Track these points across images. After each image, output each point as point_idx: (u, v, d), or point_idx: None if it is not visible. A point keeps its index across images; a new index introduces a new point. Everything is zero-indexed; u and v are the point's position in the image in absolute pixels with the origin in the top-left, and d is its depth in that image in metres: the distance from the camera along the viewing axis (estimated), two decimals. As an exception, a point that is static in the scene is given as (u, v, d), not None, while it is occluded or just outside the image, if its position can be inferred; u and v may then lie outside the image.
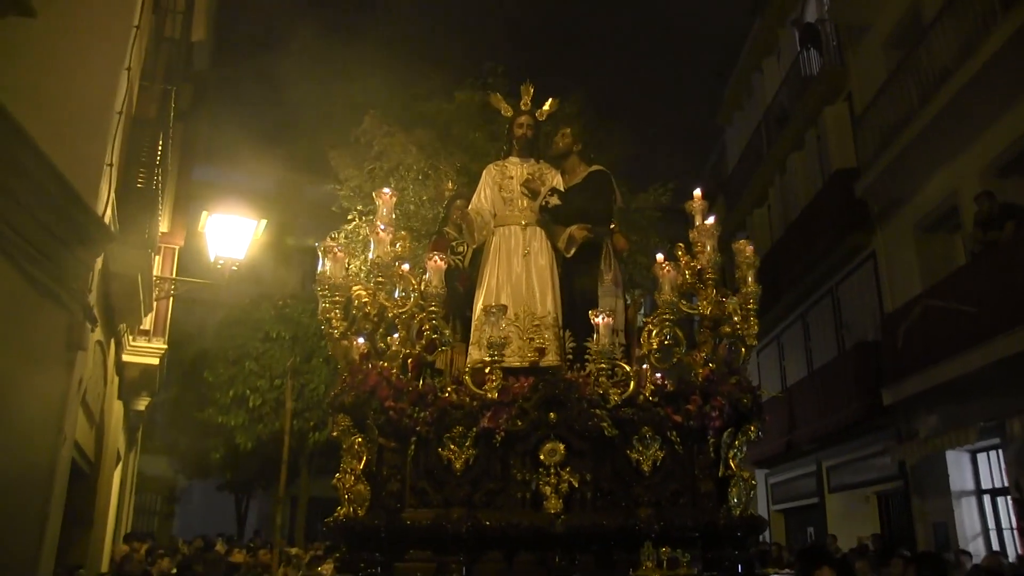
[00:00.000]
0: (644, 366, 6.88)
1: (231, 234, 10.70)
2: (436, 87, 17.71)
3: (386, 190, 7.13)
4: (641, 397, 6.68)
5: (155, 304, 12.17)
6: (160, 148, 9.48)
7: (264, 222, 11.34)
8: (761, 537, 14.68)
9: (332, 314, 6.74)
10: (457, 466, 6.43)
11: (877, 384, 16.63)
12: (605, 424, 6.48)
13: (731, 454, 6.82)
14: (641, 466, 6.56)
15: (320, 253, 6.90)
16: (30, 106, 5.63)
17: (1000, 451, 14.75)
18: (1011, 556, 13.95)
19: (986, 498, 15.70)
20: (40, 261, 6.71)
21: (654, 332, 6.88)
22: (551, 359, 7.33)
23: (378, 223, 6.82)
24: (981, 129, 14.27)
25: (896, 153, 16.38)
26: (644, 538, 6.19)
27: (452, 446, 6.47)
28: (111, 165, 7.97)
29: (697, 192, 7.37)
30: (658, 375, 6.96)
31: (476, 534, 6.19)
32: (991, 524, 15.46)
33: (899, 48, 17.87)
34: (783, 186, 24.85)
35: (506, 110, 8.51)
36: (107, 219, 7.90)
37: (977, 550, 14.68)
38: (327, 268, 6.77)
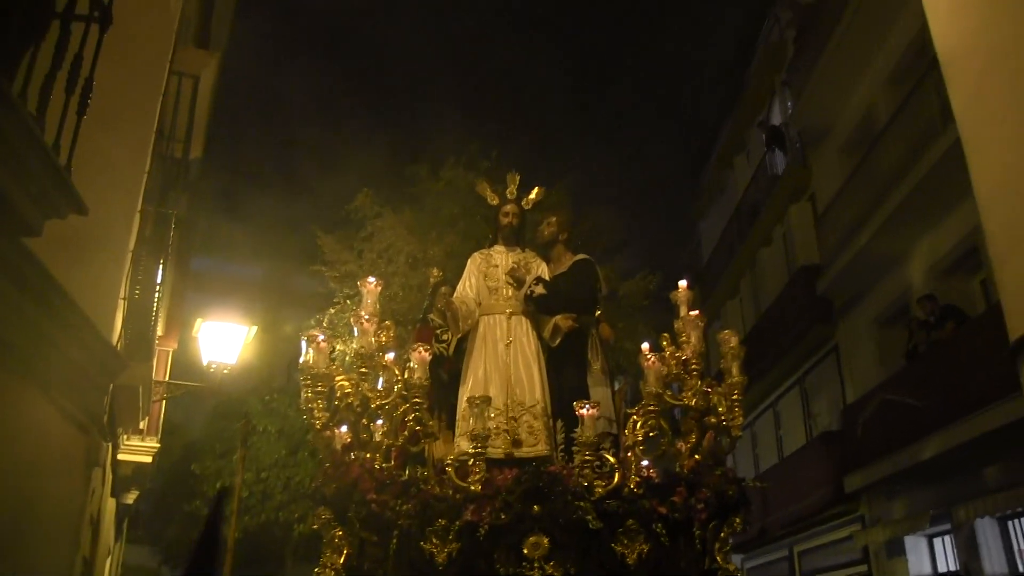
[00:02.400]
0: (629, 456, 6.62)
1: (223, 340, 11.05)
2: (423, 169, 17.81)
3: (371, 279, 7.01)
4: (626, 489, 6.52)
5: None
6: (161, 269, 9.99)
7: (255, 328, 11.65)
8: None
9: (314, 404, 6.51)
10: (440, 560, 6.24)
11: (842, 471, 17.34)
12: (590, 517, 6.31)
13: (716, 546, 6.58)
14: (626, 559, 6.38)
15: (303, 342, 6.66)
16: (55, 245, 5.78)
17: (951, 536, 15.46)
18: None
19: None
20: (68, 392, 7.09)
21: (639, 423, 6.67)
22: (541, 449, 7.22)
23: (362, 313, 6.65)
24: (928, 231, 15.26)
25: (853, 253, 17.47)
26: None
27: (435, 539, 6.28)
28: (124, 299, 8.75)
29: (682, 283, 7.26)
30: (644, 464, 6.71)
31: None
32: None
33: (857, 151, 18.92)
34: (754, 279, 26.07)
35: (492, 198, 8.44)
36: (120, 347, 8.62)
37: None
38: (310, 357, 6.55)
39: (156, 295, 9.59)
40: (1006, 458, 11.58)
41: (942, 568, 16.38)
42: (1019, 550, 13.80)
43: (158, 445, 13.29)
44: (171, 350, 14.36)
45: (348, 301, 16.16)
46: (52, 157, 4.74)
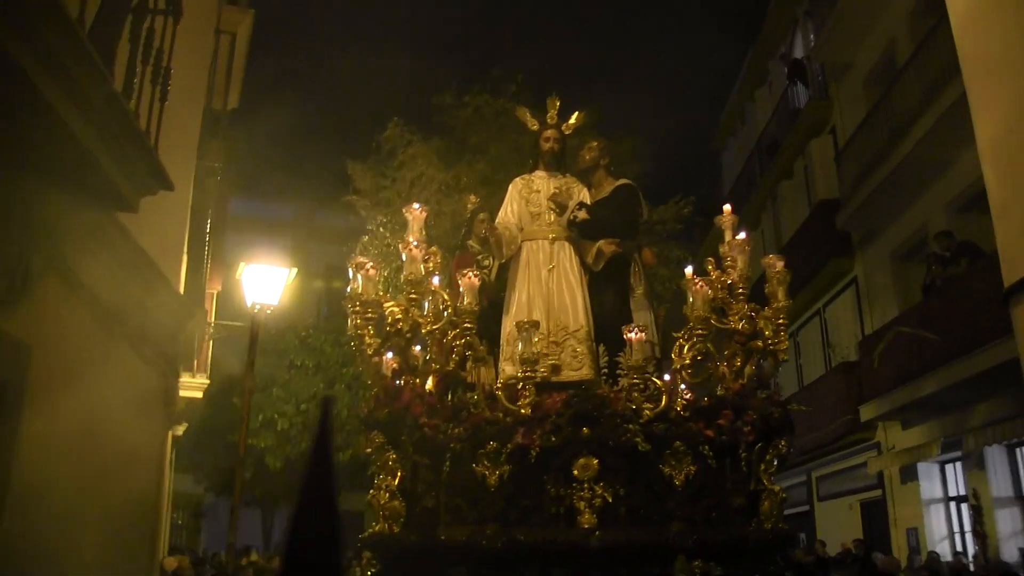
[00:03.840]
0: (676, 380, 6.57)
1: (265, 281, 11.17)
2: (449, 96, 17.59)
3: (416, 205, 6.95)
4: (673, 412, 6.56)
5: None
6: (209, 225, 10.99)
7: (295, 270, 11.79)
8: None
9: (364, 330, 6.45)
10: (491, 482, 6.27)
11: (859, 401, 17.64)
12: (638, 439, 6.37)
13: (762, 468, 6.60)
14: (674, 481, 6.44)
15: (351, 269, 6.61)
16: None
17: (960, 463, 16.09)
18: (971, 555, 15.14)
19: (952, 505, 17.00)
20: (148, 342, 7.92)
21: (686, 347, 6.61)
22: (585, 372, 7.26)
23: (410, 239, 6.57)
24: (945, 169, 15.06)
25: (872, 188, 17.35)
26: (677, 552, 6.04)
27: (486, 462, 6.32)
28: (186, 254, 9.59)
29: (727, 207, 7.23)
30: (683, 388, 6.69)
31: (511, 550, 6.01)
32: (956, 528, 16.79)
33: (878, 86, 18.71)
34: (775, 211, 25.74)
35: (532, 123, 8.31)
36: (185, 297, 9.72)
37: (944, 552, 16.02)
38: (358, 284, 6.48)
39: (207, 247, 10.20)
40: (1014, 389, 11.63)
41: (952, 492, 16.86)
42: (1026, 475, 14.15)
43: (208, 381, 13.38)
44: (216, 292, 14.62)
45: (382, 228, 16.06)
46: (147, 143, 5.35)
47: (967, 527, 15.85)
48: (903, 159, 15.86)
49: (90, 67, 4.40)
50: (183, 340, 10.17)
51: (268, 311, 11.40)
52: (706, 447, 6.47)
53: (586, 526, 6.12)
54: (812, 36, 22.67)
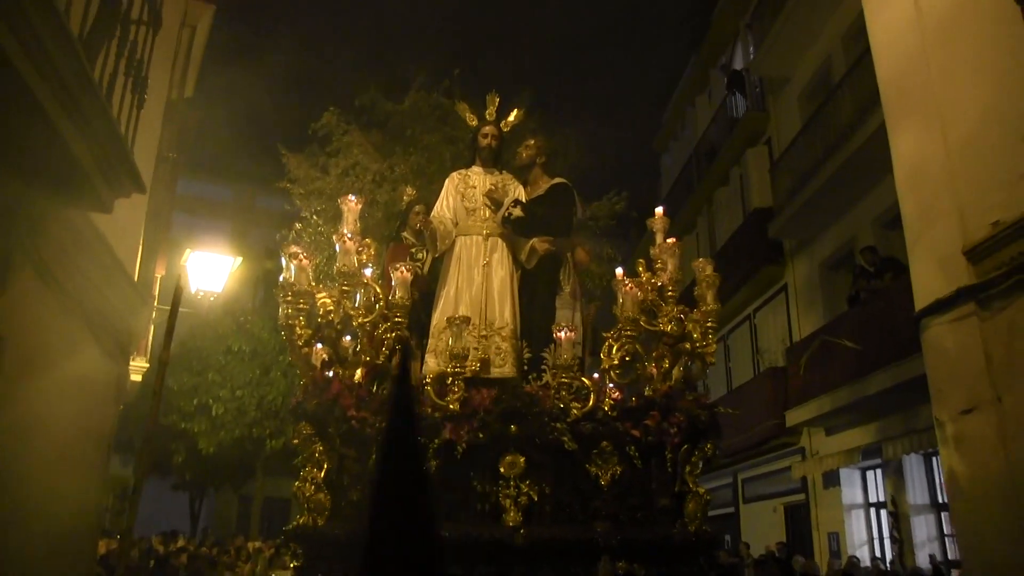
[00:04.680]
0: (605, 380, 6.56)
1: (209, 269, 11.07)
2: (376, 94, 17.45)
3: (351, 197, 6.85)
4: (601, 412, 6.54)
5: (143, 329, 13.18)
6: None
7: (239, 259, 11.63)
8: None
9: (295, 320, 6.35)
10: None
11: (785, 406, 17.94)
12: (565, 438, 6.38)
13: (687, 470, 6.63)
14: (600, 480, 6.49)
15: (284, 258, 6.49)
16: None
17: (880, 470, 16.38)
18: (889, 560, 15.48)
19: (872, 511, 17.23)
20: (104, 328, 8.13)
21: (615, 347, 6.60)
22: (508, 370, 7.23)
23: (344, 230, 6.47)
24: (873, 186, 15.32)
25: (804, 199, 17.67)
26: (602, 552, 6.07)
27: None
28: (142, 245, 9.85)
29: (659, 210, 7.24)
30: (610, 387, 6.68)
31: None
32: (875, 533, 17.02)
33: (814, 100, 19.09)
34: (711, 216, 25.95)
35: (471, 120, 8.31)
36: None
37: (864, 556, 15.97)
38: (291, 274, 6.36)
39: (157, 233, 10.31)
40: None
41: (873, 499, 17.14)
42: (941, 483, 14.29)
43: (147, 365, 13.22)
44: (160, 276, 14.28)
45: (315, 217, 15.90)
46: (127, 149, 5.63)
47: (886, 533, 16.12)
48: (833, 174, 16.14)
49: (82, 76, 4.62)
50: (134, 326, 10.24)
51: (211, 298, 11.38)
52: (632, 447, 6.51)
53: (511, 523, 6.10)
54: (752, 48, 22.96)
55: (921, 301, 7.21)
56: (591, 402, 6.48)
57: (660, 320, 6.82)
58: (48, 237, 6.10)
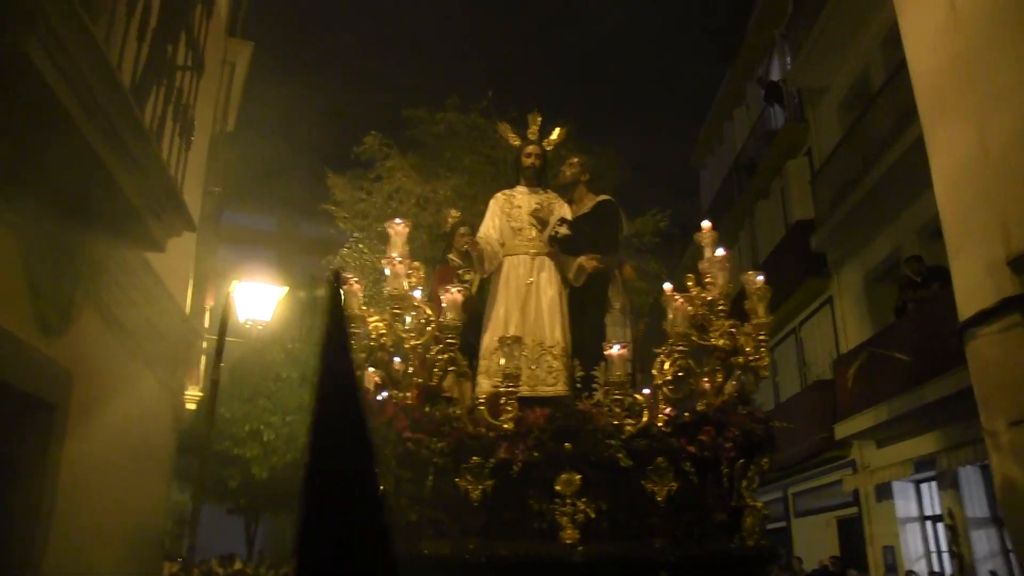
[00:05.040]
0: (657, 396, 6.51)
1: (256, 298, 11.33)
2: (421, 111, 17.51)
3: (398, 221, 6.81)
4: (654, 428, 6.45)
5: (196, 360, 13.62)
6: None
7: (286, 288, 11.95)
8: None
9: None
10: (474, 496, 6.21)
11: (833, 419, 17.72)
12: (620, 455, 6.33)
13: (743, 484, 6.56)
14: (656, 496, 6.39)
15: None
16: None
17: (935, 482, 16.05)
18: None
19: (928, 524, 16.97)
20: (162, 363, 8.41)
21: (667, 363, 6.53)
22: (560, 388, 7.20)
23: (393, 255, 6.48)
24: (916, 195, 14.92)
25: (846, 211, 17.52)
26: (659, 568, 6.04)
27: (469, 476, 6.25)
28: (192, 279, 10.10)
29: (706, 224, 7.20)
30: (663, 405, 6.61)
31: (494, 564, 5.95)
32: (932, 547, 16.74)
33: (853, 109, 18.89)
34: (751, 230, 25.56)
35: (513, 140, 8.30)
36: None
37: (921, 570, 16.12)
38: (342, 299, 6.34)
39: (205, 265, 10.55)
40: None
41: (928, 512, 16.87)
42: (999, 496, 14.00)
43: (201, 393, 13.38)
44: (209, 307, 14.47)
45: (360, 245, 15.95)
46: (178, 192, 5.99)
47: (943, 546, 15.83)
48: (876, 184, 15.99)
49: (134, 125, 4.93)
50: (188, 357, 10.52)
51: (260, 327, 11.53)
52: (688, 463, 6.43)
53: (568, 541, 6.06)
54: (789, 59, 22.82)
55: (965, 312, 7.23)
56: (645, 418, 6.44)
57: (712, 334, 6.76)
58: (106, 277, 6.35)
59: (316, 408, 1.75)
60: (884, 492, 17.60)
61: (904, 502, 17.35)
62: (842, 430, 17.46)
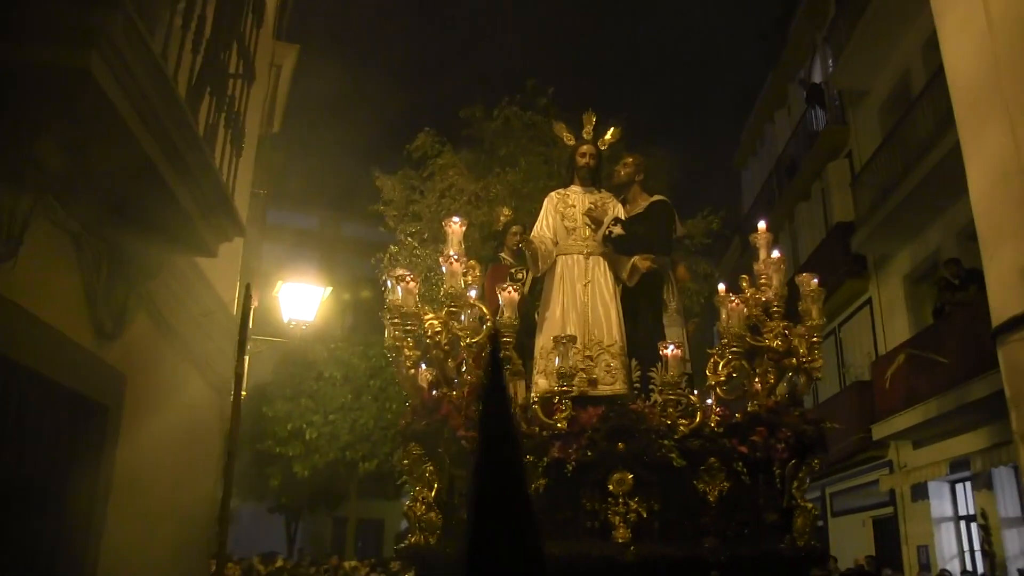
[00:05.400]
0: (710, 398, 6.48)
1: (300, 299, 11.40)
2: (479, 110, 17.38)
3: (455, 219, 6.81)
4: (707, 428, 6.43)
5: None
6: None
7: (329, 289, 11.92)
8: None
9: (403, 343, 6.35)
10: None
11: (871, 419, 17.83)
12: (673, 455, 6.31)
13: (795, 485, 6.51)
14: (708, 496, 6.39)
15: (391, 281, 6.53)
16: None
17: (969, 482, 16.24)
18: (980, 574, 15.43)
19: (962, 523, 17.08)
20: (210, 364, 8.59)
21: (720, 364, 6.50)
22: (619, 387, 7.21)
23: (450, 252, 6.47)
24: (955, 198, 14.68)
25: (886, 213, 17.51)
26: (711, 568, 6.01)
27: None
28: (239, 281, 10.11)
29: (762, 224, 7.18)
30: (708, 402, 6.61)
31: (546, 563, 5.74)
32: (965, 547, 16.87)
33: (894, 112, 18.80)
34: (792, 231, 25.36)
35: (568, 139, 8.28)
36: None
37: (954, 569, 15.96)
38: (397, 296, 6.38)
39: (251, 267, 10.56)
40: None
41: (962, 512, 16.94)
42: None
43: (245, 392, 13.52)
44: (254, 307, 14.57)
45: (409, 239, 15.88)
46: (229, 198, 6.04)
47: (976, 546, 15.87)
48: (915, 187, 15.96)
49: (189, 134, 4.99)
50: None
51: (304, 327, 11.52)
52: (740, 463, 6.41)
53: (621, 540, 6.06)
54: (831, 61, 22.72)
55: (997, 318, 7.36)
56: (698, 419, 6.41)
57: (766, 336, 6.72)
58: (159, 283, 6.47)
59: (479, 461, 1.85)
60: (919, 492, 17.65)
61: (939, 502, 17.37)
62: (880, 430, 17.51)
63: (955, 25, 8.59)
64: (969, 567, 16.12)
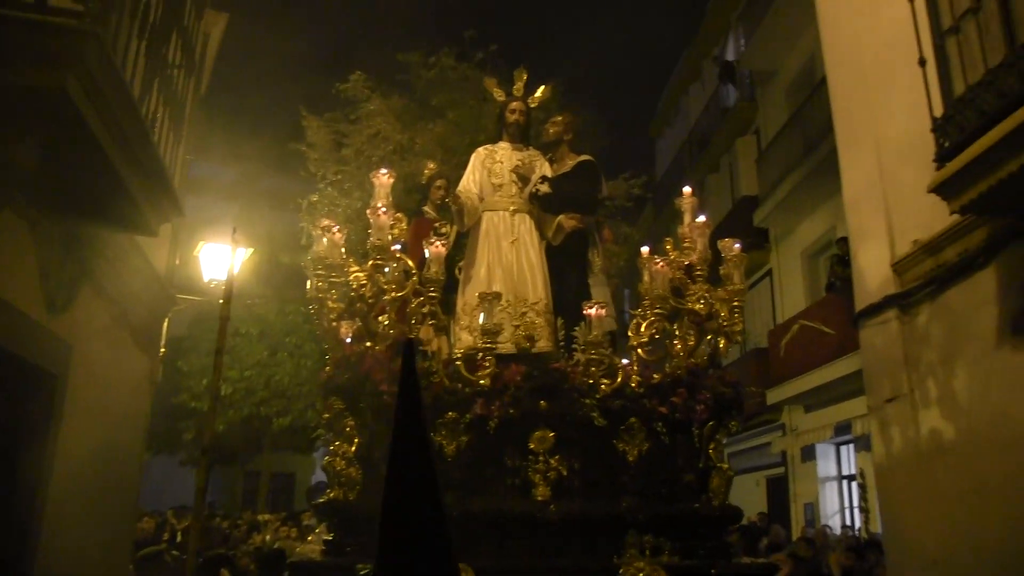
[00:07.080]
0: (630, 358, 6.28)
1: (221, 260, 10.85)
2: (416, 56, 16.49)
3: (383, 171, 6.46)
4: (629, 389, 6.26)
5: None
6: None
7: (251, 250, 11.61)
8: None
9: (327, 295, 6.02)
10: (449, 451, 6.05)
11: (767, 385, 18.39)
12: (594, 414, 6.15)
13: (712, 446, 6.40)
14: (627, 456, 6.24)
15: (315, 231, 6.18)
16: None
17: (852, 445, 17.25)
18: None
19: (844, 483, 18.16)
20: (138, 324, 8.61)
21: (643, 325, 6.29)
22: (543, 345, 6.97)
23: (378, 204, 6.13)
24: None
25: (787, 190, 18.10)
26: (629, 526, 5.90)
27: (444, 432, 6.06)
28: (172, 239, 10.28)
29: (687, 189, 7.06)
30: (625, 363, 6.43)
31: (467, 519, 5.65)
32: (847, 503, 17.86)
33: (798, 95, 19.32)
34: (702, 201, 25.19)
35: (499, 95, 8.03)
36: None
37: (835, 525, 16.74)
38: (323, 247, 6.02)
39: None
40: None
41: (845, 472, 17.91)
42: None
43: (164, 349, 13.04)
44: (177, 263, 14.09)
45: (330, 188, 15.28)
46: (171, 182, 6.39)
47: (856, 503, 16.61)
48: (813, 168, 16.31)
49: (146, 139, 5.50)
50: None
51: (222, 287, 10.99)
52: (660, 424, 6.28)
53: (541, 498, 5.92)
54: (743, 41, 22.99)
55: (859, 304, 7.77)
56: (619, 379, 6.21)
57: (688, 298, 6.53)
58: (102, 256, 6.88)
59: (391, 466, 1.99)
60: (808, 454, 18.48)
61: (825, 463, 18.23)
62: (774, 395, 18.01)
63: (835, 31, 9.03)
64: (848, 522, 16.84)
